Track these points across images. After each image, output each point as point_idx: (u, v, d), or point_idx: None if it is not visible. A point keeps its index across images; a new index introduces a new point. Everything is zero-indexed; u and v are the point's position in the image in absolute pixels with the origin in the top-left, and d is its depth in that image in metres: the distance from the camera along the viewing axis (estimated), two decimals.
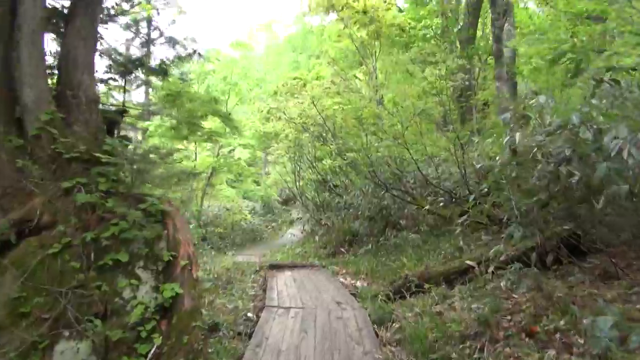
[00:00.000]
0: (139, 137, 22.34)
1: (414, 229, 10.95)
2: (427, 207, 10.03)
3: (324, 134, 12.94)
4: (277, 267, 9.25)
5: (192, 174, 20.70)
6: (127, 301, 3.52)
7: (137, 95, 22.56)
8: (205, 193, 25.38)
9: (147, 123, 19.08)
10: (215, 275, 9.27)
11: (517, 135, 5.14)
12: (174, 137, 18.59)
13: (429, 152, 10.20)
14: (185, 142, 22.26)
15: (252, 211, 31.44)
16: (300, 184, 16.12)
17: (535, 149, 4.72)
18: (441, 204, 10.85)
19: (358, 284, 8.09)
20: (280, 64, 27.24)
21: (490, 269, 5.14)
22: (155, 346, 3.34)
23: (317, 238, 12.93)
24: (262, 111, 12.21)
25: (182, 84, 15.05)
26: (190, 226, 17.36)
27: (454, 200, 10.62)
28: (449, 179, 11.18)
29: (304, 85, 13.25)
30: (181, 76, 19.77)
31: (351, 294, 7.09)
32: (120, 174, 4.43)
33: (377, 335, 4.92)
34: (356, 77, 15.85)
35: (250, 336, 4.86)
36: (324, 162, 15.51)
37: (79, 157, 4.08)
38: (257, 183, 36.15)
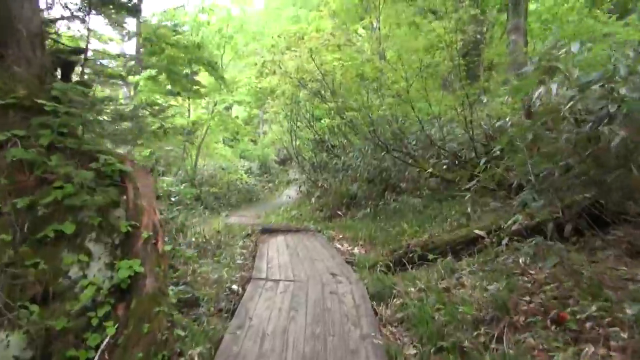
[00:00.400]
0: (131, 92, 21.41)
1: (415, 193, 10.37)
2: (429, 169, 9.37)
3: (322, 91, 12.10)
4: (269, 231, 8.69)
5: (184, 131, 19.95)
6: (75, 281, 2.89)
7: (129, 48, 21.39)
8: (200, 151, 24.69)
9: (137, 77, 18.14)
10: (205, 239, 8.73)
11: (542, 90, 4.41)
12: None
13: (434, 111, 9.43)
14: (179, 98, 21.42)
15: (249, 171, 30.79)
16: (297, 143, 15.39)
17: (566, 105, 3.99)
18: (444, 166, 10.22)
19: (355, 250, 7.54)
20: (279, 17, 25.89)
21: (505, 241, 4.52)
22: (108, 336, 2.74)
23: (313, 200, 12.35)
24: (256, 64, 11.28)
25: (173, 34, 14.10)
26: (183, 185, 16.76)
27: (458, 163, 9.97)
28: (454, 141, 10.48)
29: (302, 37, 12.28)
30: (174, 27, 18.71)
31: (347, 262, 6.55)
32: (74, 127, 3.71)
33: (376, 313, 4.37)
34: (357, 33, 14.82)
35: (232, 314, 4.29)
36: (322, 121, 14.74)
37: (17, 104, 3.35)
38: (255, 142, 35.33)
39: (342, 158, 13.05)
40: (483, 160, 5.91)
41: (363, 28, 15.59)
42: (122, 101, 20.95)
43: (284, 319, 4.11)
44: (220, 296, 4.92)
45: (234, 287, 5.28)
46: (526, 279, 4.17)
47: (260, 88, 15.65)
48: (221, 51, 21.31)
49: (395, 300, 4.63)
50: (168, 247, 4.61)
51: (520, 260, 4.13)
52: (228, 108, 34.15)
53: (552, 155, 4.43)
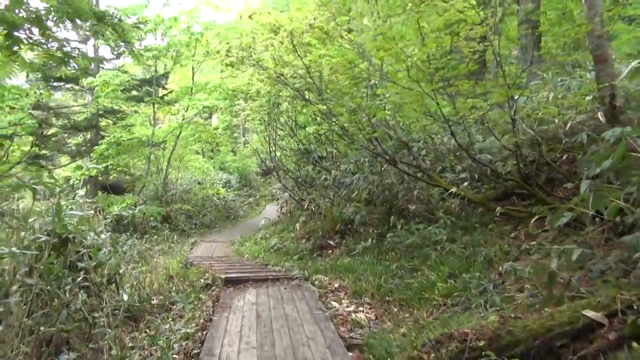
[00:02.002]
0: (89, 99, 18.71)
1: (425, 218, 8.04)
2: (453, 189, 6.99)
3: (307, 91, 9.68)
4: (236, 282, 6.13)
5: (148, 143, 17.32)
6: None
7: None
8: (172, 165, 22.04)
9: (90, 79, 15.55)
10: (147, 294, 6.21)
11: None
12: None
13: (457, 110, 7.06)
14: (142, 104, 18.81)
15: (227, 184, 28.18)
16: (278, 154, 12.89)
17: None
18: (465, 183, 7.88)
19: (361, 316, 5.07)
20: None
21: None
22: None
23: (297, 226, 9.86)
24: (219, 52, 8.77)
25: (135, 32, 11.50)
26: (142, 207, 14.11)
27: (484, 178, 7.69)
28: (486, 149, 8.14)
29: (279, 29, 9.81)
30: (135, 24, 16.14)
31: (353, 345, 4.08)
32: None
33: None
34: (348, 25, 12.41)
35: None
36: (306, 129, 12.30)
37: None
38: (235, 153, 32.74)
39: (333, 172, 10.62)
40: (584, 184, 3.53)
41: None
42: (77, 108, 18.29)
43: None
44: None
45: None
46: None
47: (232, 90, 13.13)
48: (191, 51, 18.81)
49: None
50: None
51: None
52: (208, 117, 31.63)
53: None
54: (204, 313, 4.89)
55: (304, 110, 12.30)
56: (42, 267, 4.77)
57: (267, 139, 12.10)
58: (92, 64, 17.87)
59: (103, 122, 19.89)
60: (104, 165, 14.55)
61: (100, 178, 18.90)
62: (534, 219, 4.56)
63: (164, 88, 20.14)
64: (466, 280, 5.02)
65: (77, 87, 19.33)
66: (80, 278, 5.71)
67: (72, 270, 5.83)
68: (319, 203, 9.90)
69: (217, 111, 20.35)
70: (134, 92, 18.81)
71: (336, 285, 6.29)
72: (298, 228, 9.85)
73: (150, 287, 6.51)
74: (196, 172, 24.66)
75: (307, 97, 8.72)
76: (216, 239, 14.75)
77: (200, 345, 4.08)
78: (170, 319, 5.03)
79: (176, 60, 19.27)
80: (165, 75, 20.28)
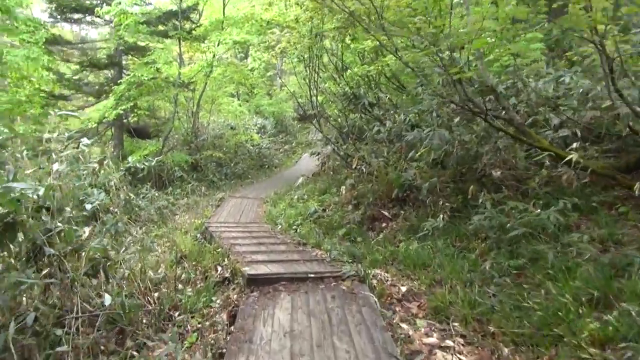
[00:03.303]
0: (110, 34, 16.85)
1: (515, 189, 6.08)
2: (573, 155, 4.89)
3: (357, 20, 7.44)
4: (263, 282, 4.33)
5: (175, 83, 15.48)
6: None
7: None
8: (203, 108, 20.29)
9: (106, 8, 13.62)
10: (140, 289, 4.61)
11: None
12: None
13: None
14: (168, 40, 16.84)
15: (262, 130, 26.35)
16: (319, 99, 10.80)
17: None
18: (574, 144, 5.72)
19: None
20: None
21: None
22: None
23: (343, 191, 7.97)
24: None
25: None
26: (159, 158, 12.46)
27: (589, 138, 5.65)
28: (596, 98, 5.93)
29: None
30: None
31: None
32: None
33: None
34: None
35: None
36: (354, 69, 10.12)
37: None
38: (270, 96, 30.61)
39: (387, 124, 8.55)
40: None
41: None
42: (98, 44, 16.54)
43: None
44: None
45: None
46: None
47: (267, 22, 10.91)
48: None
49: None
50: None
51: None
52: (243, 58, 29.29)
53: None
54: (223, 314, 3.18)
55: (352, 46, 10.09)
56: None
57: (306, 80, 10.01)
58: None
59: (129, 61, 18.17)
60: (123, 107, 12.87)
61: (125, 121, 17.42)
62: None
63: (193, 22, 18.02)
64: (631, 315, 3.06)
65: (97, 21, 17.48)
66: (45, 272, 4.12)
67: (38, 259, 4.24)
68: (370, 161, 7.92)
69: (252, 48, 18.12)
70: (161, 27, 16.80)
71: (403, 288, 4.45)
72: (344, 192, 7.96)
73: (150, 279, 4.85)
74: (229, 116, 22.86)
75: (362, 24, 6.51)
76: (247, 194, 13.10)
77: None
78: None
79: None
80: (194, 8, 18.08)
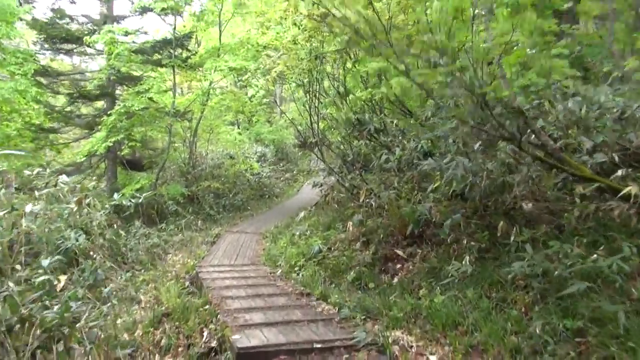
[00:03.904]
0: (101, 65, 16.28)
1: (548, 222, 5.29)
2: (631, 188, 4.08)
3: (363, 38, 6.72)
4: (257, 357, 3.42)
5: (169, 113, 14.78)
6: None
7: None
8: (200, 138, 19.62)
9: (95, 36, 13.05)
10: None
11: None
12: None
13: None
14: (163, 69, 16.24)
15: (262, 158, 25.63)
16: (320, 126, 10.04)
17: None
18: (619, 172, 4.90)
19: None
20: None
21: None
22: None
23: (349, 227, 7.11)
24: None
25: None
26: (147, 194, 11.66)
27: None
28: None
29: None
30: None
31: None
32: None
33: None
34: None
35: None
36: (358, 93, 9.41)
37: None
38: (270, 123, 29.98)
39: (397, 151, 7.76)
40: None
41: None
42: (89, 75, 15.94)
43: None
44: None
45: None
46: None
47: (263, 47, 10.24)
48: (217, 5, 16.00)
49: None
50: None
51: None
52: (243, 87, 28.74)
53: None
54: None
55: (355, 69, 9.38)
56: None
57: (306, 106, 9.26)
58: (105, 21, 15.38)
59: (124, 92, 17.54)
60: (113, 139, 12.14)
61: (127, 153, 16.58)
62: None
63: (189, 51, 17.46)
64: None
65: (91, 51, 16.94)
66: None
67: None
68: (380, 194, 7.09)
69: (249, 75, 17.46)
70: (156, 56, 16.22)
71: (433, 358, 3.54)
72: (351, 229, 7.10)
73: (122, 345, 3.97)
74: (228, 145, 22.15)
75: (369, 42, 5.78)
76: (245, 229, 12.23)
77: None
78: None
79: (200, 17, 16.54)
80: (190, 36, 17.56)
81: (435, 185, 6.09)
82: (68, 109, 15.98)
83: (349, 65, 9.33)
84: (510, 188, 5.69)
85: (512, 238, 5.08)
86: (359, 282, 5.88)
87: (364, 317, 4.42)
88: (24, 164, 14.51)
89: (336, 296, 5.11)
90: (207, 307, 4.86)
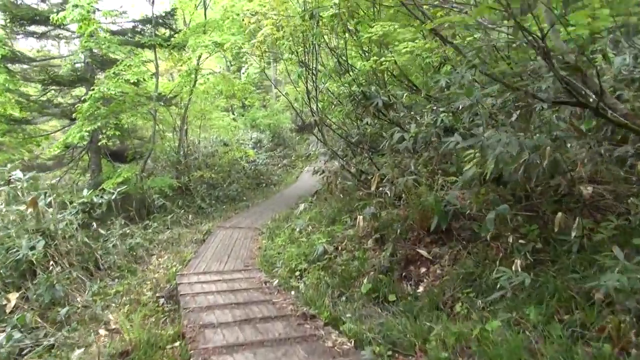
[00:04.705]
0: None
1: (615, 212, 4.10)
2: None
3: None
4: None
5: (152, 98, 13.45)
6: None
7: None
8: (187, 125, 18.26)
9: (61, 14, 11.65)
10: None
11: None
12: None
13: None
14: (143, 50, 14.85)
15: (258, 144, 24.32)
16: (320, 104, 8.74)
17: None
18: None
19: None
20: None
21: None
22: None
23: (359, 221, 5.88)
24: None
25: None
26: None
27: None
28: None
29: None
30: None
31: None
32: None
33: None
34: None
35: None
36: (363, 62, 8.11)
37: None
38: (265, 108, 28.55)
39: (412, 127, 6.49)
40: None
41: None
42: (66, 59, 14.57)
43: None
44: None
45: None
46: None
47: (248, 11, 8.83)
48: None
49: None
50: None
51: None
52: (236, 71, 27.29)
53: None
54: None
55: (355, 37, 8.05)
56: None
57: (302, 78, 7.93)
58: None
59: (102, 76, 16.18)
60: (88, 128, 10.85)
61: (107, 143, 15.24)
62: None
63: (172, 30, 16.04)
64: None
65: (65, 34, 15.51)
66: None
67: None
68: (397, 180, 5.85)
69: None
70: (138, 38, 14.83)
71: None
72: (361, 223, 5.88)
73: None
74: (222, 132, 20.85)
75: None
76: (239, 223, 11.00)
77: None
78: None
79: None
80: (172, 14, 16.13)
81: (468, 167, 4.83)
82: (43, 98, 14.66)
83: (349, 32, 7.99)
84: (562, 168, 4.45)
85: (573, 234, 3.89)
86: (376, 295, 4.66)
87: (389, 352, 3.22)
88: (6, 158, 13.31)
89: (349, 318, 3.90)
90: (177, 343, 3.66)
